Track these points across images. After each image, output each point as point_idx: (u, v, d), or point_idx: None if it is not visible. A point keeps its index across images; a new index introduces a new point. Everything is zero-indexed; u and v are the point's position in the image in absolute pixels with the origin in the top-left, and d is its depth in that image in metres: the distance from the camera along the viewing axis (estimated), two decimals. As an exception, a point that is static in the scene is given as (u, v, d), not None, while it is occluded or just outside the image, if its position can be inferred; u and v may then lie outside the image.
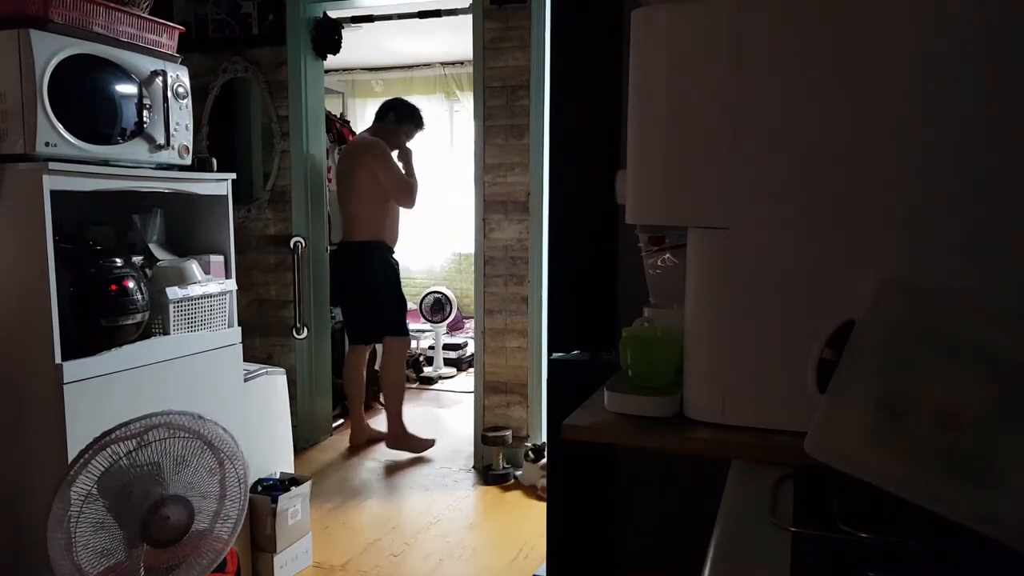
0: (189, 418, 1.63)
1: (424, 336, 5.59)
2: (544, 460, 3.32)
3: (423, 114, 4.06)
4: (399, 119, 3.92)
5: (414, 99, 6.37)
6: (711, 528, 0.84)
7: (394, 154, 3.82)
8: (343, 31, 3.97)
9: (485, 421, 3.66)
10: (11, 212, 1.80)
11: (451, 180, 6.38)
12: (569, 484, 1.80)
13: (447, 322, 5.63)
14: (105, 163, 1.94)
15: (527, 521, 3.06)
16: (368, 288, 3.80)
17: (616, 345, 1.22)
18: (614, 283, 1.69)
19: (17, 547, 1.86)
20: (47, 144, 1.77)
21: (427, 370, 5.41)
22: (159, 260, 2.23)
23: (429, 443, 3.89)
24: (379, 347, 4.06)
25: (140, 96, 2.01)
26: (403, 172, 3.83)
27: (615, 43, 1.57)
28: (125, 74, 1.98)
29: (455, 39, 5.04)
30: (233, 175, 2.34)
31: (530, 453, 3.42)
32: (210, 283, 2.23)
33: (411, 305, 5.44)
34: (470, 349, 5.38)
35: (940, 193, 0.88)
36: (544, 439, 3.50)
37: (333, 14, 3.92)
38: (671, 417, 1.04)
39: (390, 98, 4.09)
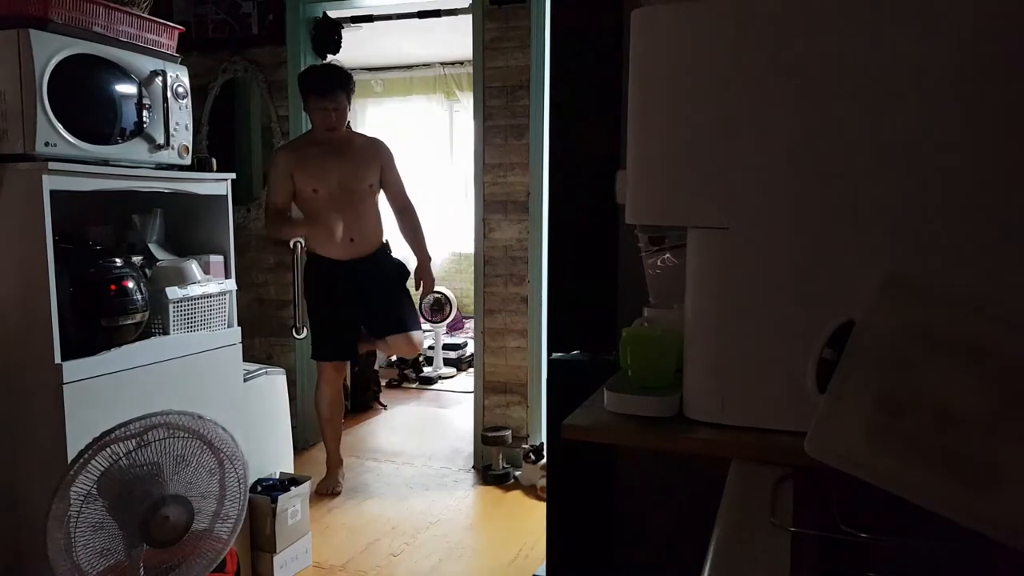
0: (189, 418, 1.64)
1: (424, 336, 5.57)
2: (544, 460, 3.31)
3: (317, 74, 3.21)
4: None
5: (414, 99, 6.44)
6: (711, 528, 0.84)
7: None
8: (343, 31, 3.96)
9: (485, 421, 3.65)
10: (11, 212, 1.80)
11: (451, 180, 6.37)
12: (569, 484, 1.80)
13: (447, 322, 5.63)
14: (105, 163, 1.94)
15: (527, 521, 3.06)
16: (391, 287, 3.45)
17: (616, 345, 1.22)
18: (614, 283, 1.69)
19: (17, 547, 1.86)
20: (47, 144, 1.77)
21: (427, 370, 5.41)
22: (159, 260, 2.22)
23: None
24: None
25: (140, 96, 2.01)
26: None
27: (615, 43, 1.57)
28: (125, 74, 1.98)
29: (455, 39, 5.02)
30: (233, 175, 2.33)
31: (530, 453, 3.42)
32: (210, 283, 2.23)
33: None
34: (470, 349, 5.37)
35: (940, 193, 0.89)
36: (544, 439, 3.50)
37: (333, 14, 3.92)
38: (671, 417, 1.04)
39: None
